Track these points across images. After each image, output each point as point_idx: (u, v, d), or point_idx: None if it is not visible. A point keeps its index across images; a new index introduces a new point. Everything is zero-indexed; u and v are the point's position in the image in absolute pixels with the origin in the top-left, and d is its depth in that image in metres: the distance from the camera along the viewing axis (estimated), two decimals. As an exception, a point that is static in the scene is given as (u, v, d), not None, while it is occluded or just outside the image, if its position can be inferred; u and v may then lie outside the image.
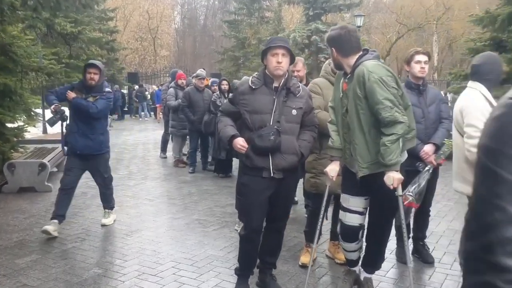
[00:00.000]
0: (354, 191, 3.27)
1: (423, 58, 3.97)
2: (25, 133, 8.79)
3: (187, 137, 9.35)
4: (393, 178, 2.92)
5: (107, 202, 5.36)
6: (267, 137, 3.18)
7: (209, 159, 9.03)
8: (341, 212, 3.39)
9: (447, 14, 32.70)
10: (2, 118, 7.69)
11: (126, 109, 25.20)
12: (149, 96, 24.31)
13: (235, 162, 8.54)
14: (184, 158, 9.65)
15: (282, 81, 3.32)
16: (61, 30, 7.13)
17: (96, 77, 4.94)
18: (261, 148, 3.20)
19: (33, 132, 14.26)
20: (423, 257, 4.19)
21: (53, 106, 4.98)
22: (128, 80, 27.92)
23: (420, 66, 3.94)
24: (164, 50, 47.69)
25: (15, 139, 8.43)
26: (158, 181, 7.84)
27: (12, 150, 8.31)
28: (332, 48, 3.18)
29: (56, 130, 16.14)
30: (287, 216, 3.61)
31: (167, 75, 33.38)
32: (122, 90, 25.80)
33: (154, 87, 25.64)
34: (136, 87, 25.07)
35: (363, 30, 26.90)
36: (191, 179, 8.00)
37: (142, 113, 23.87)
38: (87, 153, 5.02)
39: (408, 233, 3.81)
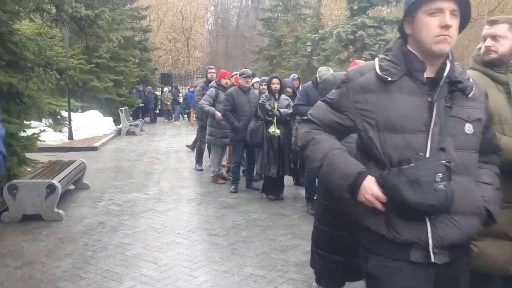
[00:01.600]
0: None
1: None
2: (39, 142, 7.44)
3: (228, 147, 7.89)
4: None
5: None
6: (429, 184, 1.57)
7: (254, 173, 7.52)
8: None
9: (501, 7, 30.18)
10: (9, 127, 6.37)
11: (157, 111, 24.02)
12: (181, 99, 22.95)
13: (288, 180, 7.00)
14: (224, 172, 8.15)
15: (445, 68, 1.73)
16: (72, 13, 5.85)
17: None
18: (417, 207, 1.59)
19: (58, 138, 13.08)
20: None
21: None
22: (161, 82, 26.80)
23: None
24: (197, 51, 46.68)
25: (27, 149, 7.07)
26: (193, 204, 6.36)
27: (21, 165, 6.99)
28: None
29: (83, 136, 15.01)
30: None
31: (201, 76, 32.43)
32: (155, 92, 24.63)
33: (184, 89, 24.35)
34: (166, 89, 23.83)
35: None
36: (234, 201, 6.48)
37: (178, 115, 22.68)
38: None
39: None
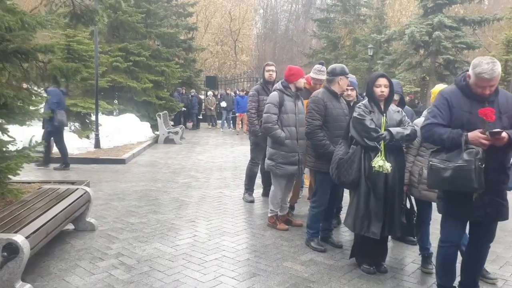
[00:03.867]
0: None
1: None
2: (29, 161, 5.36)
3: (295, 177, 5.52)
4: None
5: None
6: None
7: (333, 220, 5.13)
8: None
9: None
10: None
11: (201, 117, 21.98)
12: (225, 104, 20.69)
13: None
14: (290, 212, 5.78)
15: None
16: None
17: None
18: None
19: (83, 145, 11.13)
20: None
21: None
22: (206, 85, 24.82)
23: None
24: (244, 54, 44.77)
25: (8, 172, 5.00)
26: (243, 272, 4.04)
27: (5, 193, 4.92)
28: None
29: (113, 143, 13.06)
30: None
31: (246, 80, 30.30)
32: (200, 95, 22.62)
33: (231, 93, 22.14)
34: (210, 92, 21.72)
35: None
36: (308, 270, 4.11)
37: (225, 123, 20.57)
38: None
39: None
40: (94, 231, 5.05)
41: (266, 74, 6.52)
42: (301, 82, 5.27)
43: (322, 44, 33.93)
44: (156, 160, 10.68)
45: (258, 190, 7.03)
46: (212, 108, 21.24)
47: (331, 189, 4.64)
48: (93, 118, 12.08)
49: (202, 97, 23.52)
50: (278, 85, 5.44)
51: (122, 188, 7.39)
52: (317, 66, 5.71)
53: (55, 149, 10.20)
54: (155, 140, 14.31)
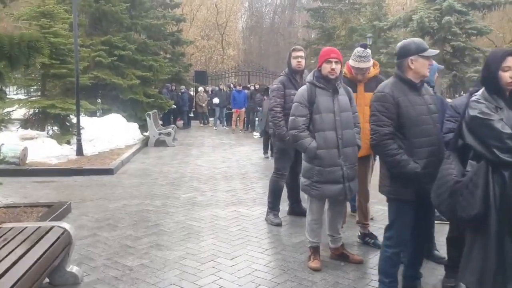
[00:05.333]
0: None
1: None
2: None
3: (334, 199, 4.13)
4: None
5: None
6: None
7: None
8: None
9: None
10: None
11: (192, 114, 20.45)
12: (218, 100, 19.07)
13: None
14: (329, 241, 4.40)
15: None
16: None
17: None
18: None
19: (63, 153, 9.61)
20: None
21: None
22: (195, 80, 23.25)
23: None
24: (231, 49, 43.21)
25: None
26: None
27: None
28: None
29: (98, 148, 11.50)
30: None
31: (233, 75, 28.72)
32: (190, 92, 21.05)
33: (224, 88, 20.58)
34: (201, 88, 20.11)
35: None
36: None
37: (218, 121, 19.07)
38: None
39: None
40: (78, 284, 3.61)
41: (294, 62, 5.13)
42: (326, 69, 3.83)
43: (310, 36, 32.68)
44: (149, 168, 9.21)
45: (283, 206, 5.64)
46: (204, 105, 19.68)
47: (415, 216, 3.27)
48: (74, 120, 10.54)
49: (192, 93, 22.00)
50: (309, 76, 4.05)
51: (112, 210, 5.94)
52: (357, 51, 4.37)
53: (30, 158, 8.73)
54: (145, 143, 12.82)
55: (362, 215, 4.63)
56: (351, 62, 4.42)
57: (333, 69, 3.77)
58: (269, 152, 10.28)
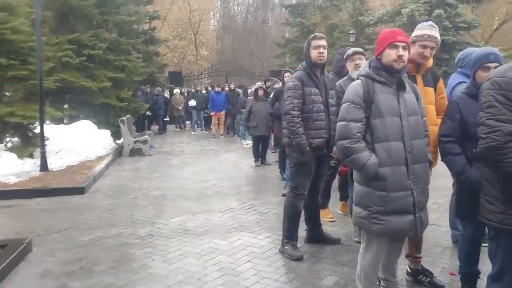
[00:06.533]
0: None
1: None
2: None
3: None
4: None
5: None
6: None
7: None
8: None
9: None
10: None
11: (167, 118, 19.13)
12: (194, 102, 17.73)
13: None
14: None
15: None
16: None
17: None
18: None
19: (24, 169, 8.30)
20: None
21: None
22: (169, 81, 21.93)
23: None
24: (204, 49, 41.94)
25: None
26: None
27: None
28: None
29: (65, 161, 10.14)
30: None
31: (207, 76, 27.37)
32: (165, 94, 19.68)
33: (201, 89, 19.25)
34: (177, 90, 18.73)
35: None
36: None
37: (195, 125, 17.77)
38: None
39: None
40: None
41: (314, 53, 4.08)
42: (390, 56, 2.74)
43: (284, 35, 31.80)
44: (126, 183, 7.98)
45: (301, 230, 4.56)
46: (180, 107, 18.38)
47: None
48: (37, 130, 9.19)
49: (167, 95, 20.69)
50: (363, 68, 2.98)
51: (85, 244, 4.74)
52: (423, 23, 3.40)
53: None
54: (119, 152, 11.53)
55: (414, 245, 3.59)
56: (417, 32, 3.34)
57: (400, 57, 2.72)
58: (271, 156, 9.19)
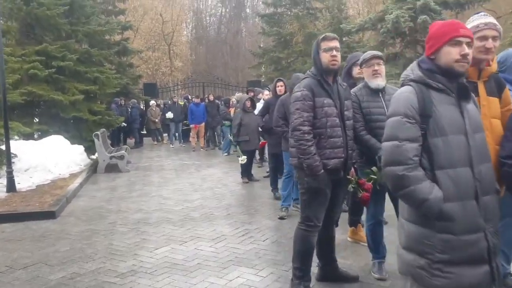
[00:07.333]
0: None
1: None
2: None
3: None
4: None
5: None
6: None
7: None
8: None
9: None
10: None
11: (144, 131, 18.33)
12: (172, 115, 16.92)
13: None
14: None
15: None
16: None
17: None
18: None
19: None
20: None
21: None
22: (144, 93, 21.10)
23: None
24: (177, 60, 41.22)
25: None
26: None
27: None
28: None
29: (36, 180, 9.32)
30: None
31: (181, 87, 26.64)
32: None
33: (179, 101, 18.51)
34: (153, 102, 17.88)
35: None
36: None
37: (174, 137, 16.97)
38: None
39: None
40: None
41: (325, 57, 3.48)
42: (450, 55, 2.11)
43: (259, 46, 31.39)
44: (102, 205, 7.22)
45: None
46: (157, 120, 17.59)
47: None
48: (2, 146, 8.36)
49: (142, 107, 19.86)
50: (411, 71, 2.35)
51: (55, 285, 4.00)
52: (473, 18, 2.77)
53: None
54: (93, 169, 10.72)
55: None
56: (470, 25, 2.63)
57: (465, 56, 2.11)
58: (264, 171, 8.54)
